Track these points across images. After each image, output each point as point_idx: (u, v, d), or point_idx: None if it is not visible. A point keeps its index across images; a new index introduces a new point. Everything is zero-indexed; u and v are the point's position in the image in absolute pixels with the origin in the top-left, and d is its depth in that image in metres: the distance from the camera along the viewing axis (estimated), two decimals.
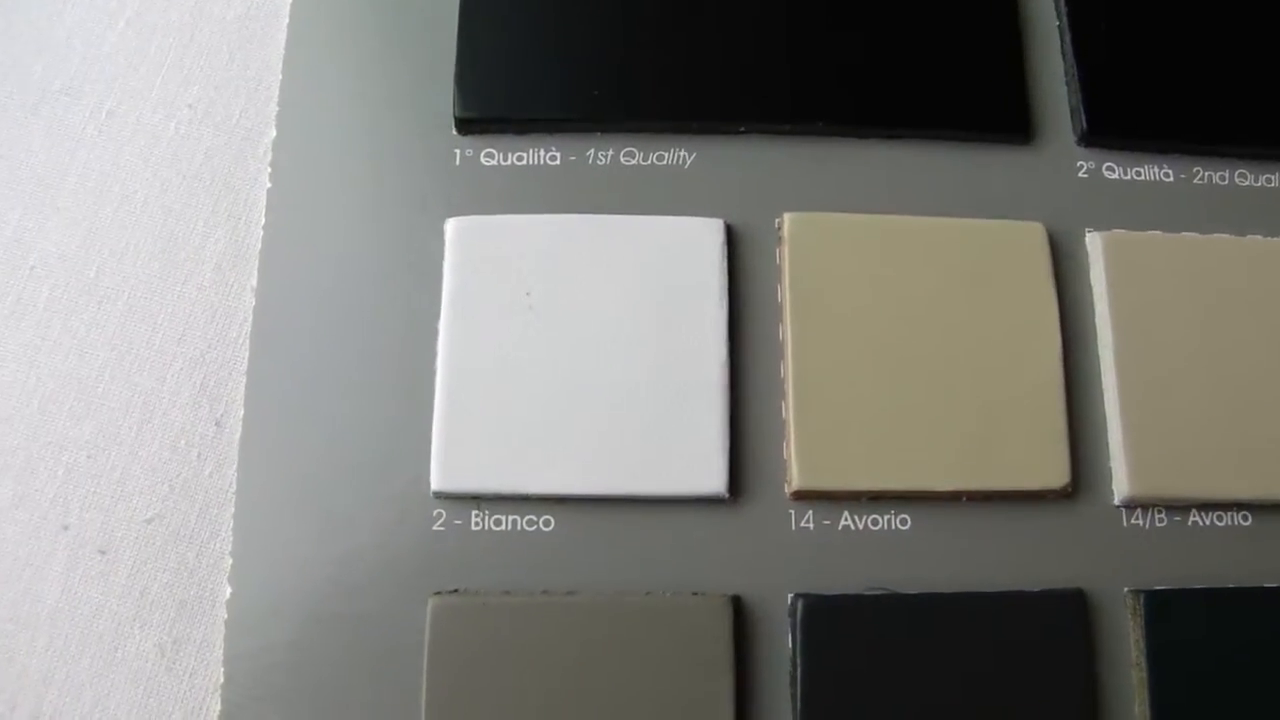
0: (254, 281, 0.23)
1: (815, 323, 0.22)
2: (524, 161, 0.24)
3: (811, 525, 0.22)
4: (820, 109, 0.23)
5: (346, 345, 0.22)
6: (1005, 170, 0.24)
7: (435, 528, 0.21)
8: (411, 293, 0.22)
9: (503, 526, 0.22)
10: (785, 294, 0.23)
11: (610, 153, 0.24)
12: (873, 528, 0.22)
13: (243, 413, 0.22)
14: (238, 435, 0.22)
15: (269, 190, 0.23)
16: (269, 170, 0.23)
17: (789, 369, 0.22)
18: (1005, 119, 0.24)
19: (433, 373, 0.22)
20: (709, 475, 0.21)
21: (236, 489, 0.22)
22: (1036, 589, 0.21)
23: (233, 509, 0.22)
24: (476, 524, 0.21)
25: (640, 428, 0.21)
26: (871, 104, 0.24)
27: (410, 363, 0.22)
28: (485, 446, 0.21)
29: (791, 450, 0.22)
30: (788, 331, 0.22)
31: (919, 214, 0.23)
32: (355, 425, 0.22)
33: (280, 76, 0.24)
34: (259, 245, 0.23)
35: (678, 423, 0.21)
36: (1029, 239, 0.23)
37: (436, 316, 0.22)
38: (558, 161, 0.24)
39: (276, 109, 0.24)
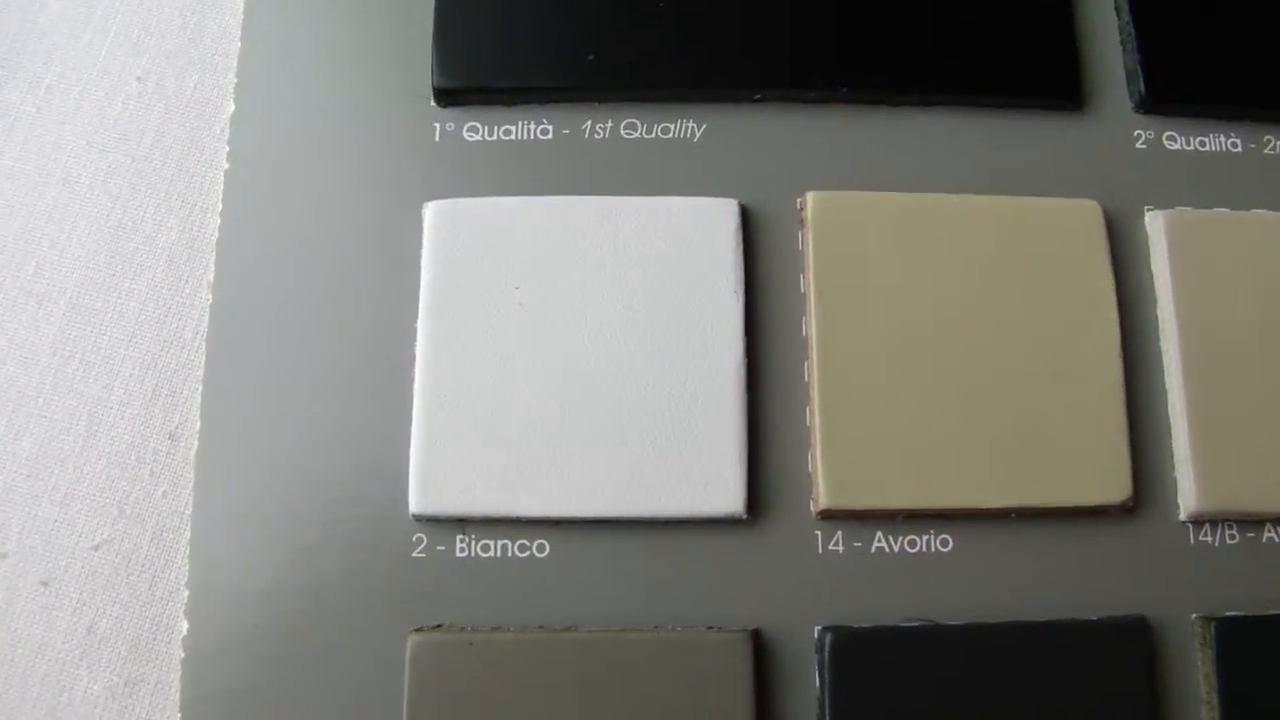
0: (211, 276, 0.20)
1: (843, 317, 0.19)
2: (512, 136, 0.20)
3: (841, 548, 0.19)
4: (846, 74, 0.20)
5: (314, 348, 0.19)
6: (1054, 141, 0.20)
7: (415, 555, 0.18)
8: (386, 287, 0.19)
9: (491, 553, 0.18)
10: (809, 284, 0.19)
11: (609, 125, 0.20)
12: (910, 550, 0.19)
13: (199, 425, 0.19)
14: (194, 450, 0.19)
15: (227, 173, 0.20)
16: (227, 150, 0.20)
17: (814, 370, 0.19)
18: (1054, 83, 0.20)
19: (410, 379, 0.19)
20: (724, 493, 0.18)
21: (193, 511, 0.19)
22: (1094, 616, 0.18)
23: (189, 534, 0.19)
24: (461, 550, 0.18)
25: (646, 440, 0.18)
26: (904, 68, 0.20)
27: (385, 368, 0.19)
28: (470, 463, 0.18)
29: (818, 463, 0.18)
30: (812, 327, 0.19)
31: (958, 191, 0.20)
32: (324, 439, 0.19)
33: (239, 44, 0.21)
34: (216, 235, 0.20)
35: (688, 434, 0.18)
36: (1082, 218, 0.20)
37: (414, 314, 0.19)
38: (550, 136, 0.20)
39: (235, 81, 0.20)
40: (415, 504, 0.18)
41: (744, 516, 0.18)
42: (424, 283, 0.19)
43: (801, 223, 0.20)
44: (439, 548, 0.18)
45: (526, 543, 0.19)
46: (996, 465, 0.19)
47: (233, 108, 0.20)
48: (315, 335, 0.19)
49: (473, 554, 0.19)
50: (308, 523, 0.19)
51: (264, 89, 0.20)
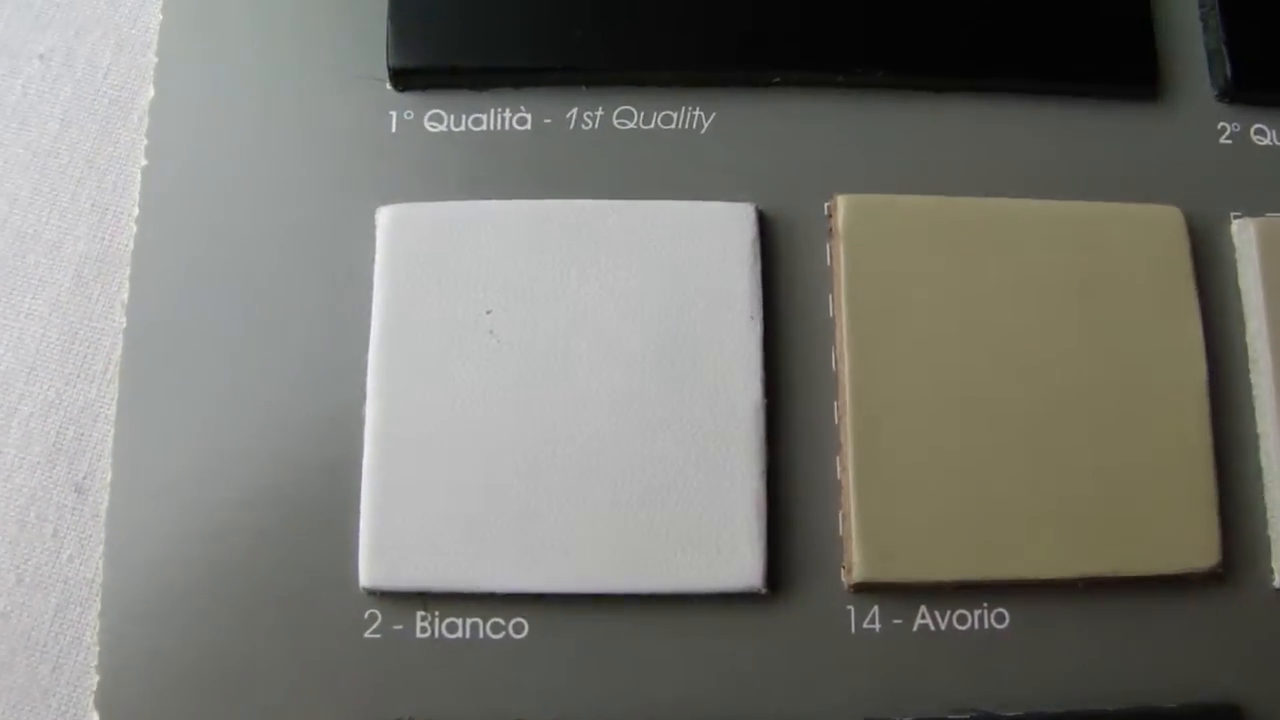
0: (125, 295, 0.16)
1: (881, 347, 0.15)
2: (483, 127, 0.16)
3: (878, 626, 0.15)
4: (884, 54, 0.16)
5: (246, 384, 0.15)
6: (1126, 135, 0.16)
7: (368, 635, 0.15)
8: (332, 311, 0.15)
9: (459, 634, 0.15)
10: (840, 307, 0.15)
11: (599, 114, 0.16)
12: (959, 628, 0.15)
13: (110, 475, 0.15)
14: (104, 506, 0.15)
15: (145, 170, 0.16)
16: (145, 144, 0.16)
17: (846, 412, 0.15)
18: (1125, 67, 0.16)
19: (361, 422, 0.15)
20: (739, 563, 0.14)
21: (104, 580, 0.15)
22: (1177, 703, 0.15)
23: (99, 607, 0.15)
24: (423, 630, 0.15)
25: (644, 499, 0.15)
26: (951, 48, 0.16)
27: (331, 409, 0.15)
28: (433, 525, 0.14)
29: (851, 526, 0.15)
30: (844, 360, 0.15)
31: (1015, 195, 0.16)
32: (258, 496, 0.15)
33: (160, 17, 0.17)
34: (131, 246, 0.16)
35: (695, 491, 0.15)
36: (1160, 228, 0.16)
37: (365, 344, 0.15)
38: (528, 126, 0.16)
39: (155, 61, 0.17)
40: (367, 575, 0.15)
41: (763, 591, 0.15)
42: (377, 305, 0.15)
43: (830, 232, 0.16)
44: (396, 627, 0.15)
45: (501, 621, 0.15)
46: (1062, 527, 0.15)
47: (152, 93, 0.17)
48: (248, 369, 0.15)
49: (436, 634, 0.15)
50: (240, 597, 0.15)
51: (189, 70, 0.16)
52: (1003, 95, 0.17)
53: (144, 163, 0.16)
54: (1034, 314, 0.16)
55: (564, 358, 0.15)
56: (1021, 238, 0.16)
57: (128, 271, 0.16)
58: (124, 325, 0.16)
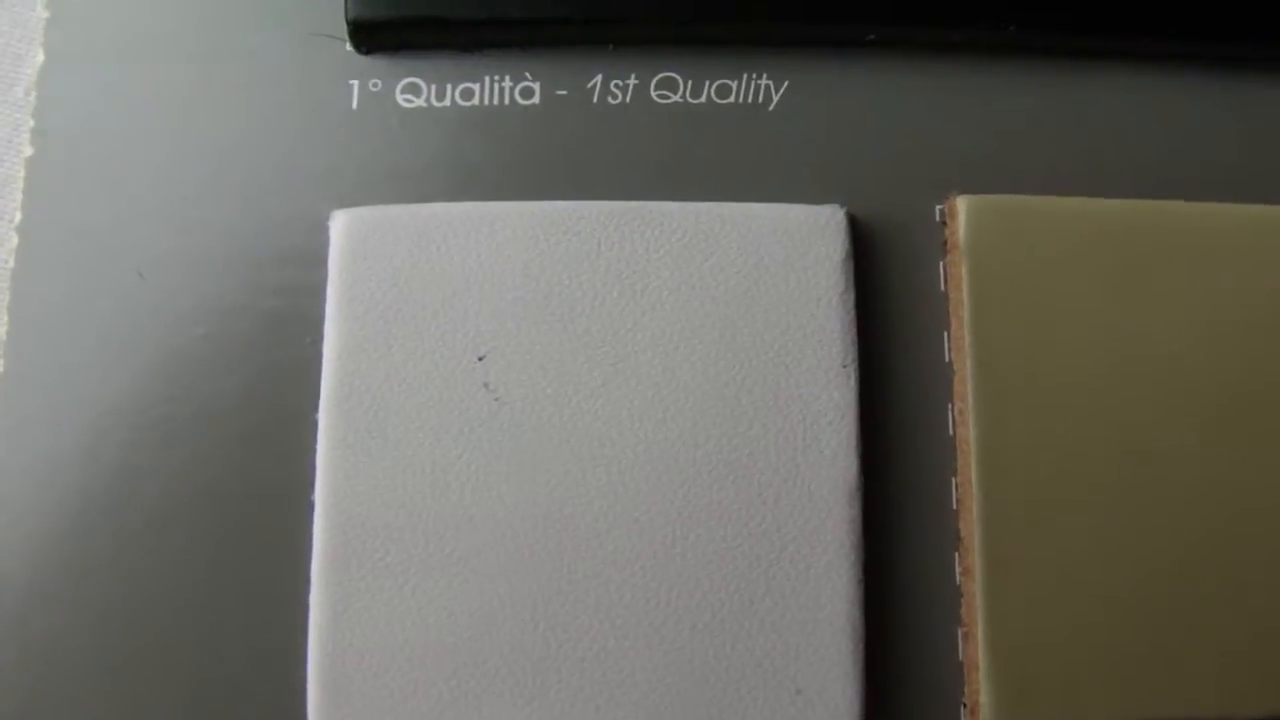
0: (2, 329, 0.12)
1: (1017, 402, 0.11)
2: (474, 101, 0.12)
3: None
4: (1015, 4, 0.12)
5: (159, 452, 0.11)
6: None
7: None
8: (274, 350, 0.11)
9: None
10: (962, 347, 0.11)
11: (632, 83, 0.12)
12: None
13: None
14: None
15: (30, 161, 0.13)
16: (31, 126, 0.13)
17: (971, 493, 0.11)
18: None
19: (307, 518, 0.11)
20: (828, 705, 0.10)
21: None
22: None
23: None
24: None
25: (696, 622, 0.10)
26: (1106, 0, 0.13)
27: (265, 498, 0.11)
28: (403, 660, 0.10)
29: (978, 651, 0.11)
30: (968, 419, 0.11)
31: (1188, 196, 0.12)
32: (170, 621, 0.11)
33: None
34: (11, 262, 0.12)
35: (767, 609, 0.10)
36: None
37: (313, 399, 0.11)
38: (536, 100, 0.12)
39: (45, 16, 0.13)
40: None
41: None
42: (329, 345, 0.11)
43: (947, 245, 0.12)
44: None
45: None
46: (1253, 652, 0.11)
47: (41, 58, 0.13)
48: (162, 431, 0.11)
49: None
50: None
51: (89, 29, 0.13)
52: (1172, 64, 0.12)
53: (29, 151, 0.13)
54: (1223, 358, 0.11)
55: (586, 424, 0.11)
56: (1203, 255, 0.12)
57: (5, 299, 0.12)
58: (0, 369, 0.12)
